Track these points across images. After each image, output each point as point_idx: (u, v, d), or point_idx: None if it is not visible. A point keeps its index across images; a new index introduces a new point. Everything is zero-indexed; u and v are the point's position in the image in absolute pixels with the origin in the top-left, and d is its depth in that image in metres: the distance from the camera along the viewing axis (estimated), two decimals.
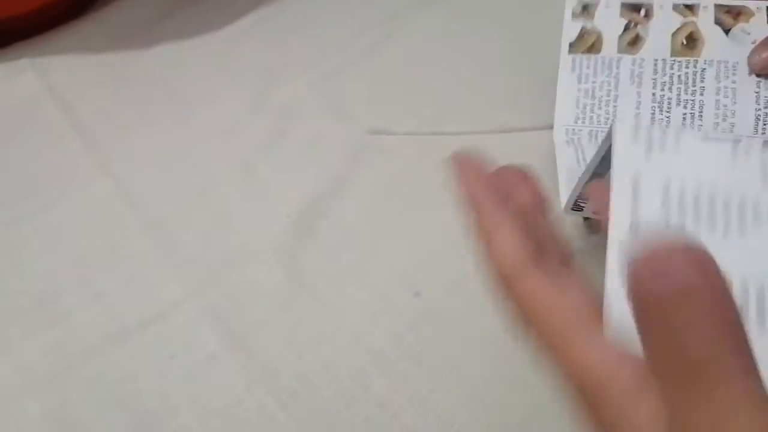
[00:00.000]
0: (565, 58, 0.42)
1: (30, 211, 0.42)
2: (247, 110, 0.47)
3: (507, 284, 0.20)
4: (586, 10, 0.43)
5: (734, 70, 0.39)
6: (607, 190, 0.21)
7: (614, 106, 0.41)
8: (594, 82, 0.41)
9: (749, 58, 0.39)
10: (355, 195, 0.41)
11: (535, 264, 0.19)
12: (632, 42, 0.42)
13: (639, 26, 0.42)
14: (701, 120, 0.39)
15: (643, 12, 0.42)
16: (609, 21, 0.42)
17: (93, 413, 0.32)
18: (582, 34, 0.43)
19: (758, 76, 0.39)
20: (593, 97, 0.41)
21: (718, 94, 0.39)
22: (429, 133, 0.44)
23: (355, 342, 0.34)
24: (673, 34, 0.41)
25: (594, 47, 0.42)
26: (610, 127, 0.22)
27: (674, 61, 0.41)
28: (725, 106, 0.39)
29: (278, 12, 0.55)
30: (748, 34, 0.40)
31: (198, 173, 0.43)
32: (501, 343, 0.33)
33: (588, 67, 0.42)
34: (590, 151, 0.35)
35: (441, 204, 0.40)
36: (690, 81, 0.40)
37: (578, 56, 0.42)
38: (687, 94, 0.40)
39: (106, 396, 0.33)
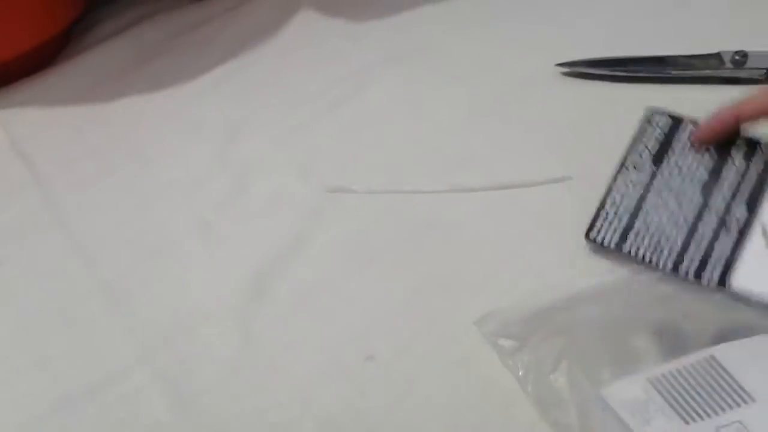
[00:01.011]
0: None
1: None
2: (208, 166, 0.47)
3: None
4: None
5: None
6: None
7: None
8: None
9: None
10: (312, 255, 0.41)
11: None
12: None
13: None
14: None
15: None
16: None
17: None
18: None
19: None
20: None
21: None
22: (387, 192, 0.44)
23: (305, 408, 0.34)
24: None
25: None
26: None
27: None
28: None
29: (245, 66, 0.56)
30: None
31: (155, 230, 0.43)
32: (452, 410, 0.33)
33: None
34: None
35: (396, 264, 0.40)
36: None
37: None
38: None
39: None
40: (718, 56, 0.50)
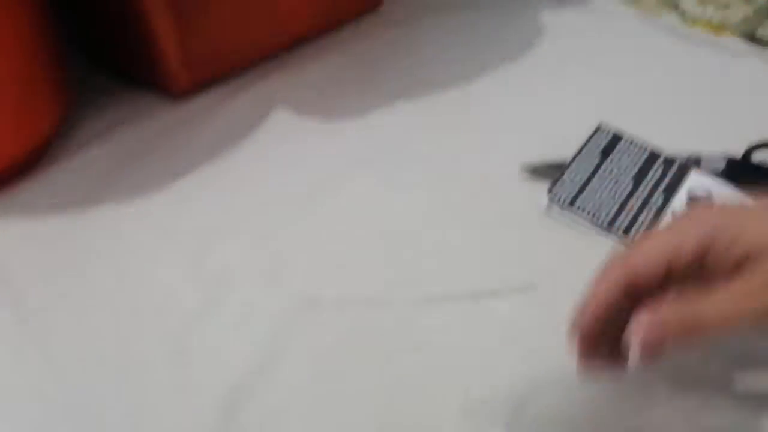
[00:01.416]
0: None
1: None
2: (181, 277, 0.48)
3: None
4: None
5: None
6: None
7: None
8: None
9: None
10: (283, 374, 0.41)
11: None
12: None
13: None
14: None
15: None
16: None
17: None
18: None
19: None
20: None
21: None
22: (358, 303, 0.45)
23: None
24: None
25: None
26: None
27: None
28: None
29: (221, 169, 0.57)
30: None
31: (125, 351, 0.43)
32: None
33: None
34: None
35: (368, 381, 0.41)
36: None
37: None
38: None
39: None
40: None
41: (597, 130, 0.55)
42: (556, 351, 0.42)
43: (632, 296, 0.29)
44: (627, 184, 0.51)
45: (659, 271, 0.28)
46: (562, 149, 0.54)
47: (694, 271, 0.27)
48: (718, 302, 0.26)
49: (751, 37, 0.76)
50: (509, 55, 0.71)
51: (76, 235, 0.51)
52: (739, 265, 0.26)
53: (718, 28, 0.78)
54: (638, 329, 0.27)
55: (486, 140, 0.59)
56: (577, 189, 0.50)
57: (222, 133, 0.61)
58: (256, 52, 0.68)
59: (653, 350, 0.27)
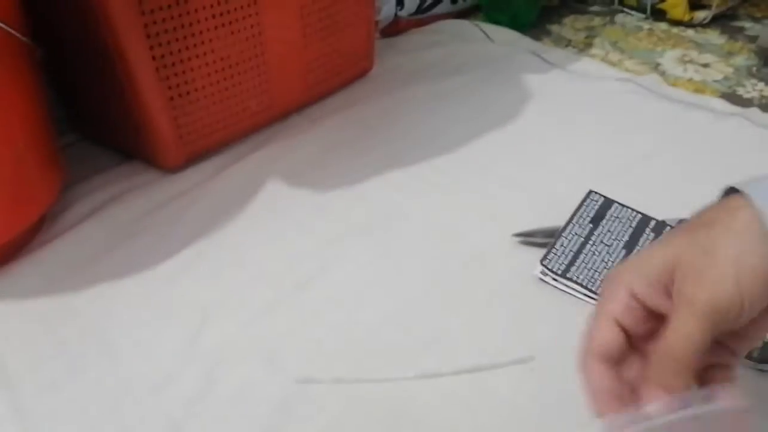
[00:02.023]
0: None
1: None
2: (177, 358, 0.47)
3: None
4: None
5: None
6: None
7: None
8: None
9: None
10: None
11: None
12: None
13: None
14: None
15: None
16: None
17: None
18: None
19: None
20: None
21: None
22: (355, 381, 0.45)
23: None
24: None
25: None
26: None
27: None
28: None
29: (215, 244, 0.57)
30: None
31: None
32: None
33: None
34: None
35: None
36: None
37: None
38: None
39: None
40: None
41: (587, 196, 0.55)
42: (556, 426, 0.42)
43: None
44: (619, 251, 0.51)
45: (639, 310, 0.32)
46: (555, 214, 0.55)
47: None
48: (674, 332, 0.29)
49: (732, 96, 0.78)
50: (498, 120, 0.73)
51: (70, 315, 0.51)
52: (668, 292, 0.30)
53: (699, 88, 0.80)
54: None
55: (478, 207, 0.60)
56: (569, 259, 0.51)
57: (215, 207, 0.61)
58: (249, 125, 0.69)
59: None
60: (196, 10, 0.57)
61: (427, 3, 0.98)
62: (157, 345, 0.49)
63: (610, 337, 0.31)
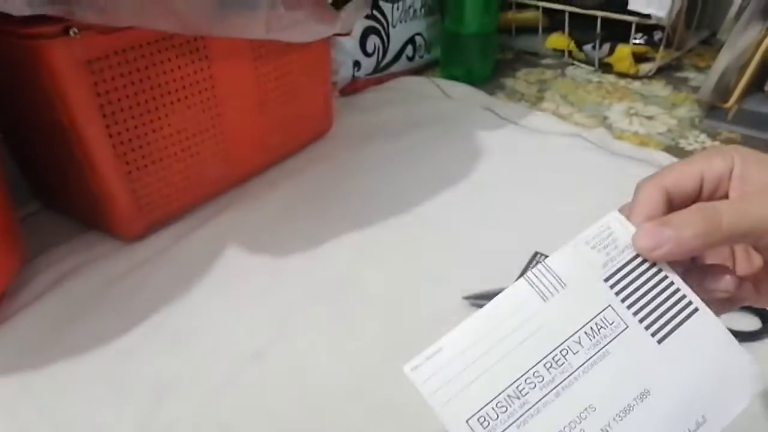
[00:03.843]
0: None
1: None
2: None
3: None
4: None
5: None
6: None
7: None
8: None
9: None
10: None
11: None
12: None
13: None
14: None
15: None
16: None
17: None
18: None
19: None
20: None
21: None
22: None
23: None
24: None
25: None
26: None
27: None
28: None
29: (174, 315, 0.58)
30: None
31: None
32: None
33: None
34: None
35: None
36: None
37: None
38: None
39: None
40: None
41: (533, 258, 0.58)
42: None
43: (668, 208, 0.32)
44: None
45: (693, 180, 0.32)
46: (504, 274, 0.57)
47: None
48: (735, 202, 0.30)
49: (675, 149, 0.81)
50: (451, 179, 0.75)
51: (28, 398, 0.51)
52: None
53: (644, 140, 0.84)
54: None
55: (432, 269, 0.62)
56: None
57: (174, 276, 0.62)
58: (207, 192, 0.71)
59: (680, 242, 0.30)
60: (151, 88, 0.59)
61: (385, 62, 1.01)
62: (112, 424, 0.49)
63: (657, 198, 0.32)
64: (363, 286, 0.61)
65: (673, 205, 0.32)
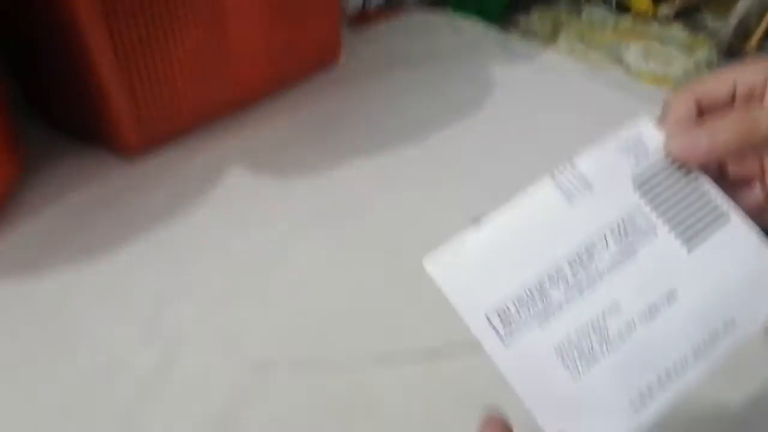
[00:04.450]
0: None
1: None
2: (132, 346, 0.47)
3: None
4: None
5: None
6: None
7: None
8: None
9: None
10: None
11: None
12: None
13: None
14: None
15: None
16: None
17: None
18: None
19: None
20: None
21: None
22: (315, 366, 0.45)
23: None
24: None
25: None
26: None
27: None
28: None
29: (175, 231, 0.57)
30: None
31: (77, 425, 0.42)
32: None
33: None
34: None
35: None
36: None
37: None
38: None
39: None
40: None
41: None
42: (510, 409, 0.42)
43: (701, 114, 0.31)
44: None
45: (726, 87, 0.31)
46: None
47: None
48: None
49: None
50: (462, 111, 0.73)
51: (24, 308, 0.50)
52: None
53: (661, 80, 0.81)
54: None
55: (440, 195, 0.60)
56: None
57: (176, 194, 0.61)
58: (210, 112, 0.69)
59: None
60: None
61: None
62: (111, 335, 0.48)
63: (688, 106, 0.31)
64: (369, 212, 0.59)
65: (705, 115, 0.31)
